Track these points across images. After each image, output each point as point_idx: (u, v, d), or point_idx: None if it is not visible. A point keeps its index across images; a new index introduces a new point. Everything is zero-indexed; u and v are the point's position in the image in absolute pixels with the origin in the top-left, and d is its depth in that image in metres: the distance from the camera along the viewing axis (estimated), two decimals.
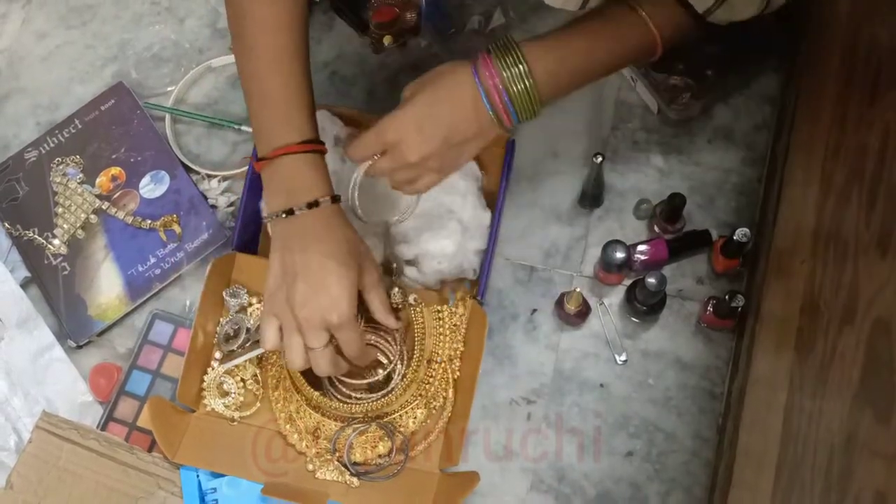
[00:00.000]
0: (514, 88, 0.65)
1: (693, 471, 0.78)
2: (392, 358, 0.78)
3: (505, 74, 0.65)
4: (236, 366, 0.82)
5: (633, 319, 0.82)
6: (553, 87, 0.67)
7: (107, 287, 0.89)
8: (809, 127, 0.72)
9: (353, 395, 0.79)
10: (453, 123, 0.66)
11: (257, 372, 0.82)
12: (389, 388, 0.78)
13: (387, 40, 0.92)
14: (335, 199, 0.69)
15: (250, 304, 0.84)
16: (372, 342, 0.78)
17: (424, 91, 0.66)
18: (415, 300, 0.81)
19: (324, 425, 0.79)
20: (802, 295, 0.64)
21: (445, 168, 0.69)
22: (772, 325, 0.72)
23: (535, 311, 0.84)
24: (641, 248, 0.81)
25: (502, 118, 0.66)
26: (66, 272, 0.89)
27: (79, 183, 0.92)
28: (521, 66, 0.64)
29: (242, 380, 0.82)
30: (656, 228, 0.84)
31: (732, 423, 0.75)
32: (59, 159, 0.93)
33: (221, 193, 0.91)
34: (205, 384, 0.82)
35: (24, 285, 0.90)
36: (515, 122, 0.67)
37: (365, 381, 0.79)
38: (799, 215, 0.69)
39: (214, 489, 0.78)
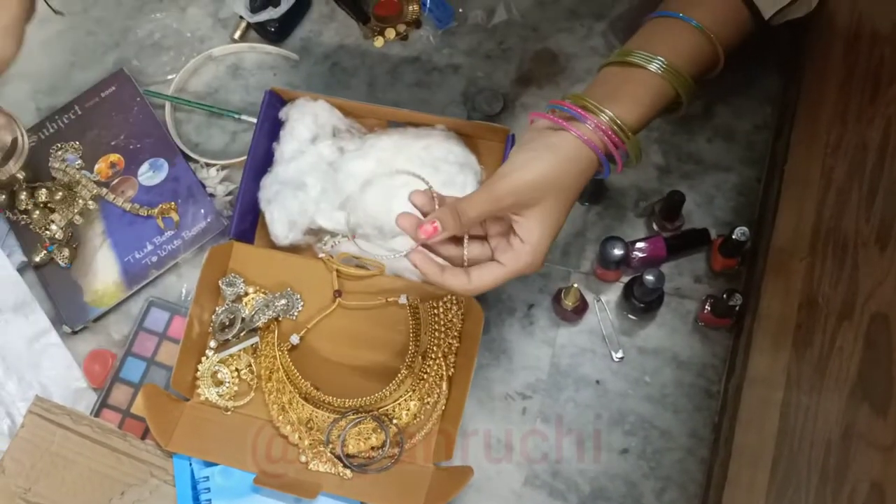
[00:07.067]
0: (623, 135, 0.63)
1: (688, 468, 0.77)
2: None
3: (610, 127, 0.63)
4: (231, 355, 0.82)
5: (631, 317, 0.82)
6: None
7: (103, 273, 0.88)
8: (810, 123, 0.71)
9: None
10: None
11: (252, 362, 0.82)
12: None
13: (389, 33, 0.92)
14: None
15: (246, 294, 0.84)
16: None
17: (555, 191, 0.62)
18: (408, 299, 0.81)
19: (317, 417, 0.79)
20: (801, 292, 0.64)
21: None
22: (769, 324, 0.72)
23: (531, 306, 0.83)
24: (640, 245, 0.81)
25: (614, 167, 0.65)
26: None
27: (77, 169, 0.92)
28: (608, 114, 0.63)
29: (237, 369, 0.82)
30: (655, 226, 0.84)
31: (728, 420, 0.75)
32: (59, 145, 0.93)
33: (220, 182, 0.91)
34: (199, 373, 0.82)
35: (21, 270, 0.90)
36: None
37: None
38: (799, 212, 0.69)
39: (207, 478, 0.77)
